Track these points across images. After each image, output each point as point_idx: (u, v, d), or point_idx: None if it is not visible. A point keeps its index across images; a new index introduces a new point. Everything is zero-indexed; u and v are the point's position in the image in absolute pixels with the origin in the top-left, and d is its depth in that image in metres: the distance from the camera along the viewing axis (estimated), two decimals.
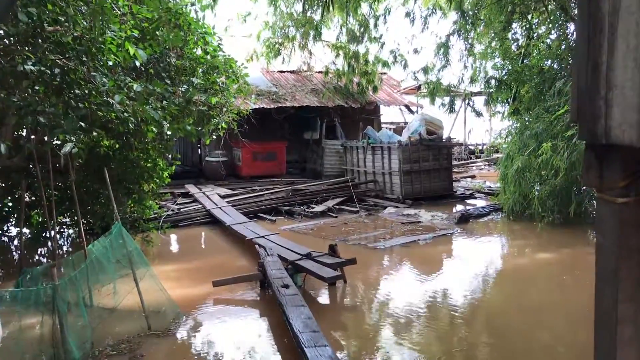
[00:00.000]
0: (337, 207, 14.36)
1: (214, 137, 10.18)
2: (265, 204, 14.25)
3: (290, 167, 20.41)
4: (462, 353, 6.07)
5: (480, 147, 29.52)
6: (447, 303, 7.66)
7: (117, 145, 9.34)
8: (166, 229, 11.59)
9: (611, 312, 2.77)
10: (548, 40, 14.95)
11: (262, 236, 9.87)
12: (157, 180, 10.57)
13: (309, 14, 19.66)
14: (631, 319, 2.74)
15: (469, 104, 17.88)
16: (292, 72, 22.11)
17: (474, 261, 9.83)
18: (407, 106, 23.34)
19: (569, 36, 14.67)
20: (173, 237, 12.05)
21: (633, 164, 2.69)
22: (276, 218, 13.44)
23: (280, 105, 19.06)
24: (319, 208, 13.95)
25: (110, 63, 5.74)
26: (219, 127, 9.70)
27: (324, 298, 7.80)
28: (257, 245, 9.01)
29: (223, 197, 14.77)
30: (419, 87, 24.22)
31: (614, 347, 2.77)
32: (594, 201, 12.02)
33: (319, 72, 21.95)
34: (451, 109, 17.25)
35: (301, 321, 5.42)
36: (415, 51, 19.49)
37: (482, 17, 15.81)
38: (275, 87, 20.49)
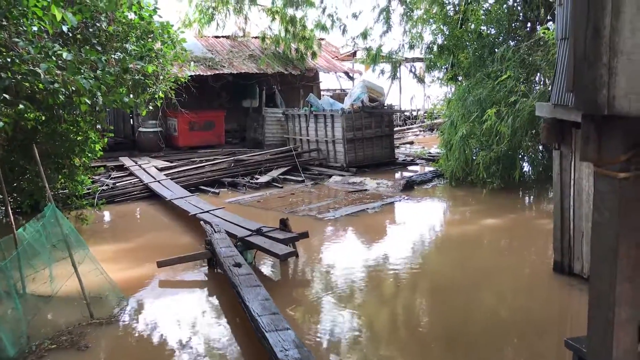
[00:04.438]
0: (281, 177, 14.03)
1: (151, 107, 9.57)
2: (206, 176, 13.73)
3: (229, 137, 19.75)
4: (408, 317, 6.36)
5: (415, 113, 29.70)
6: (398, 270, 7.66)
7: (43, 118, 8.60)
8: (101, 205, 10.92)
9: (608, 292, 2.62)
10: (486, 5, 14.95)
11: (207, 211, 9.44)
12: (89, 154, 9.89)
13: None
14: (628, 301, 2.60)
15: (411, 70, 17.77)
16: (227, 37, 21.28)
17: (422, 228, 9.84)
18: (346, 73, 23.04)
19: (506, 1, 14.72)
20: (109, 214, 11.40)
21: (636, 136, 2.52)
22: (219, 190, 12.98)
23: (217, 72, 18.32)
24: (263, 179, 13.58)
25: (35, 28, 5.11)
26: (156, 96, 9.11)
27: (276, 274, 7.55)
28: (202, 222, 8.58)
29: (161, 169, 14.11)
30: (354, 54, 23.93)
31: (611, 330, 2.63)
32: (535, 165, 12.29)
33: (255, 37, 21.24)
34: (394, 76, 17.08)
35: (259, 303, 5.13)
36: (354, 16, 19.09)
37: None
38: (211, 53, 19.66)
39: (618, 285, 2.54)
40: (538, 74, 12.09)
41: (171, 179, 13.00)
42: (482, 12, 14.21)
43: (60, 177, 9.77)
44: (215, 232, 7.66)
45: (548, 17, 12.88)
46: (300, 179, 13.95)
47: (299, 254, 7.82)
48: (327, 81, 26.95)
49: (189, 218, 9.77)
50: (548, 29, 11.41)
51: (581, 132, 2.63)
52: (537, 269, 7.26)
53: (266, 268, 7.72)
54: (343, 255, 8.34)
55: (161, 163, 15.09)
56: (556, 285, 6.60)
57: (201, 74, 17.35)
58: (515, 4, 14.45)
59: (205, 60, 18.53)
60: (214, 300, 6.82)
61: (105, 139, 10.42)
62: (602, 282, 2.61)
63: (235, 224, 8.29)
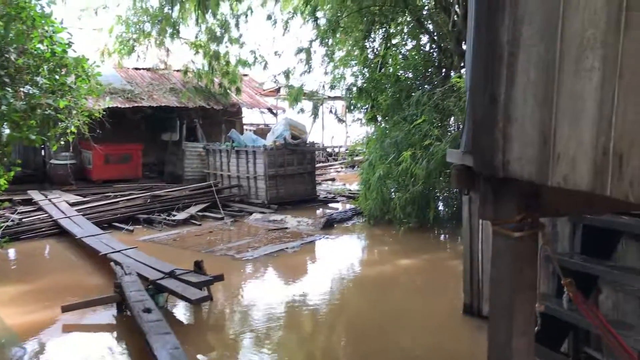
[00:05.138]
0: (200, 214, 13.75)
1: (62, 142, 9.17)
2: (120, 212, 13.22)
3: (147, 170, 19.24)
4: (326, 356, 6.38)
5: (337, 150, 30.26)
6: (313, 311, 7.66)
7: None
8: (4, 243, 10.25)
9: (505, 346, 2.73)
10: (403, 50, 15.58)
11: (119, 251, 9.06)
12: None
13: (165, 10, 18.73)
14: (524, 354, 2.73)
15: (331, 111, 18.19)
16: (148, 69, 20.92)
17: (339, 268, 9.86)
18: (269, 109, 23.18)
19: (423, 47, 15.43)
20: (13, 252, 10.72)
21: (528, 198, 2.66)
22: (134, 228, 12.51)
23: (136, 104, 17.91)
24: (180, 216, 13.25)
25: None
26: (68, 131, 8.75)
27: (190, 318, 7.32)
28: (112, 263, 8.23)
29: (72, 204, 13.48)
30: (278, 90, 24.18)
31: None
32: (449, 205, 12.74)
33: (177, 70, 21.02)
34: (315, 114, 17.38)
35: (167, 352, 4.94)
36: (276, 54, 19.30)
37: (342, 25, 15.98)
38: (130, 85, 19.23)
39: (514, 339, 2.65)
40: (452, 118, 12.65)
41: (83, 215, 12.44)
42: (400, 57, 14.79)
43: None
44: (126, 274, 7.36)
45: (461, 64, 13.57)
46: (219, 215, 13.73)
47: (215, 296, 7.64)
48: (251, 116, 26.98)
49: (99, 258, 9.34)
50: (461, 76, 12.01)
51: (479, 192, 2.76)
52: (449, 311, 7.43)
53: (180, 312, 7.47)
54: (260, 297, 8.21)
55: (73, 197, 14.44)
56: (466, 328, 6.78)
57: (119, 106, 16.91)
58: (431, 51, 15.17)
59: (124, 92, 18.12)
60: (123, 346, 6.49)
61: (12, 172, 9.87)
62: (500, 336, 2.71)
63: (147, 266, 7.99)
